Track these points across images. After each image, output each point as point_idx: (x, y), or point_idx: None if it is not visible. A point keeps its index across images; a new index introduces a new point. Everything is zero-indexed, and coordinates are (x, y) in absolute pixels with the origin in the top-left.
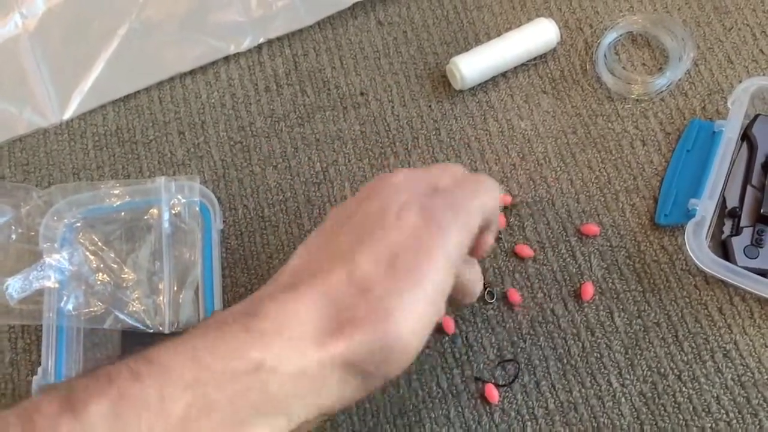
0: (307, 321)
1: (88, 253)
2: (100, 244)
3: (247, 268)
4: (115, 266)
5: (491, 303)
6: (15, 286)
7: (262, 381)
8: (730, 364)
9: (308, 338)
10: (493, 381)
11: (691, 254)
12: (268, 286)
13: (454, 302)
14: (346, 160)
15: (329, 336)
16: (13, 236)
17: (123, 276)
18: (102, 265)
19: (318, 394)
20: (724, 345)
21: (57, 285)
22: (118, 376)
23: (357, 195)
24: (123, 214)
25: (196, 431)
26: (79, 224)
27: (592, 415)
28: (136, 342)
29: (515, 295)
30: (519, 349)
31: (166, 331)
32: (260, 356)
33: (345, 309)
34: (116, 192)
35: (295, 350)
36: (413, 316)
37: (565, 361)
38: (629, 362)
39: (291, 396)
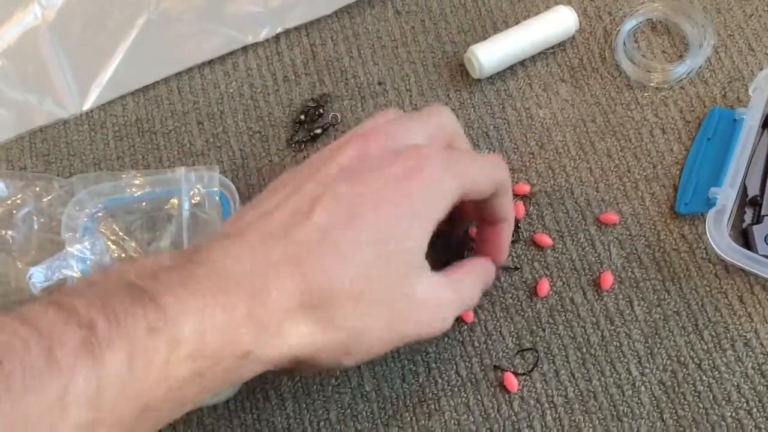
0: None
1: (109, 243)
2: (121, 233)
3: None
4: (137, 256)
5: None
6: (38, 275)
7: (245, 366)
8: (750, 353)
9: (295, 335)
10: (512, 369)
11: (711, 243)
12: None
13: None
14: None
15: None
16: (36, 226)
17: None
18: (123, 255)
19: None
20: (745, 334)
21: (79, 274)
22: (133, 322)
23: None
24: (144, 204)
25: (186, 394)
26: (100, 214)
27: (611, 404)
28: None
29: (544, 287)
30: (538, 338)
31: None
32: (252, 347)
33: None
34: (137, 182)
35: (279, 345)
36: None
37: (584, 349)
38: (649, 351)
39: (262, 370)
